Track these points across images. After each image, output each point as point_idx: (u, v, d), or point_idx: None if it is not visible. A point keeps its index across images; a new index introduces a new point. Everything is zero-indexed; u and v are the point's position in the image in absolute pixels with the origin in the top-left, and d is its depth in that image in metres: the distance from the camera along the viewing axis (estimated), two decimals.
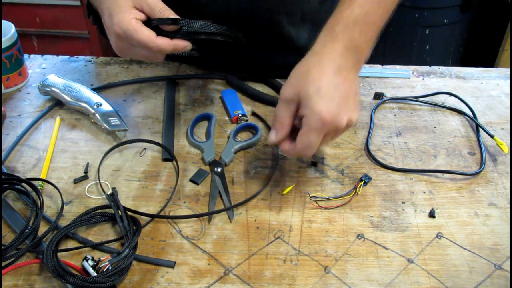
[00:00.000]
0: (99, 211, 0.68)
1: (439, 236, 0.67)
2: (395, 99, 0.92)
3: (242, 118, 0.85)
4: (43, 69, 0.99)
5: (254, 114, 0.86)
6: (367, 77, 0.98)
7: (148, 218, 0.68)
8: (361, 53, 0.68)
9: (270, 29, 0.91)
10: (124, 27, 0.68)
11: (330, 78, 0.64)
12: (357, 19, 0.67)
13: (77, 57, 1.02)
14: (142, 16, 0.70)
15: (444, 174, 0.77)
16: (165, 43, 0.69)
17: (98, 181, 0.74)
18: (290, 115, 0.66)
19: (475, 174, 0.76)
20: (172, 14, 0.71)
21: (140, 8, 0.70)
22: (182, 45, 0.71)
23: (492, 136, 0.81)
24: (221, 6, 0.87)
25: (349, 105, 0.65)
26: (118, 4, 0.69)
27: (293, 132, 0.67)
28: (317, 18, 0.92)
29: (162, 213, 0.69)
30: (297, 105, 0.65)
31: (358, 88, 0.68)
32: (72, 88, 0.87)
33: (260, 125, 0.85)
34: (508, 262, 0.64)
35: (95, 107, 0.84)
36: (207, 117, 0.86)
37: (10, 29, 0.90)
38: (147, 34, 0.68)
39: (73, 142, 0.81)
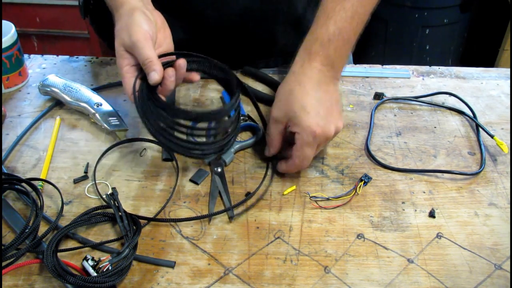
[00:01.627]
0: (99, 211, 0.68)
1: (439, 236, 0.67)
2: (395, 99, 0.92)
3: (241, 118, 0.85)
4: (43, 69, 0.99)
5: (249, 117, 0.86)
6: (367, 77, 0.98)
7: (149, 218, 0.68)
8: (337, 67, 0.75)
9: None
10: (119, 51, 0.72)
11: (312, 94, 0.71)
12: (331, 37, 0.73)
13: (77, 57, 1.02)
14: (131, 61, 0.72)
15: (444, 174, 0.77)
16: (156, 65, 0.69)
17: (94, 182, 0.74)
18: (280, 133, 0.74)
19: (475, 174, 0.76)
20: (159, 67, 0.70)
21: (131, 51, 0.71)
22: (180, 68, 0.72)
23: (492, 136, 0.81)
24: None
25: (334, 115, 0.72)
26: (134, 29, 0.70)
27: (287, 145, 0.75)
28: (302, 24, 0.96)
29: (162, 213, 0.69)
30: (286, 123, 0.73)
31: (339, 97, 0.75)
32: (72, 88, 0.87)
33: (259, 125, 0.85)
34: (508, 262, 0.64)
35: (95, 107, 0.84)
36: None
37: (10, 29, 0.90)
38: (147, 54, 0.68)
39: (73, 142, 0.81)
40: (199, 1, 0.89)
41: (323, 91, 0.72)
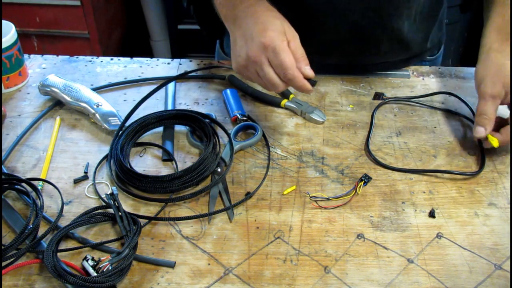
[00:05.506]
0: (99, 211, 0.68)
1: (439, 236, 0.67)
2: (395, 99, 0.92)
3: (241, 118, 0.85)
4: (43, 69, 0.99)
5: (248, 117, 0.86)
6: (367, 77, 0.98)
7: (149, 217, 0.68)
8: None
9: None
10: (276, 43, 0.68)
11: None
12: None
13: (77, 57, 1.02)
14: None
15: (444, 174, 0.77)
16: (300, 77, 0.70)
17: (93, 182, 0.74)
18: (496, 110, 0.76)
19: (475, 174, 0.76)
20: (307, 64, 0.71)
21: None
22: (308, 88, 0.71)
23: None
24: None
25: None
26: (276, 25, 0.70)
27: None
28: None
29: (162, 213, 0.69)
30: (502, 98, 0.76)
31: None
32: (72, 88, 0.87)
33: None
34: (508, 262, 0.64)
35: (95, 107, 0.84)
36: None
37: (10, 29, 0.90)
38: (292, 61, 0.69)
39: (73, 142, 0.81)
40: (319, 12, 0.88)
41: None
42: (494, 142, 0.76)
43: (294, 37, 0.71)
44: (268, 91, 0.79)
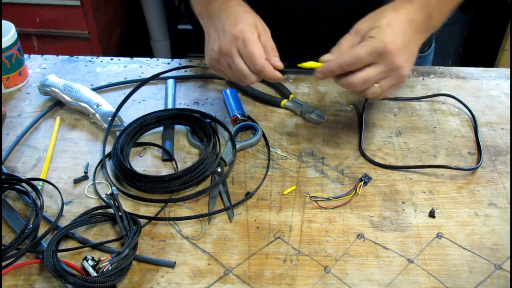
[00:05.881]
0: (99, 211, 0.68)
1: (439, 236, 0.67)
2: (395, 99, 0.92)
3: (241, 118, 0.85)
4: (43, 69, 0.99)
5: (248, 117, 0.86)
6: None
7: (149, 217, 0.68)
8: (432, 21, 0.72)
9: None
10: (246, 35, 0.69)
11: (402, 21, 0.68)
12: None
13: (77, 57, 1.02)
14: None
15: (444, 174, 0.77)
16: (269, 68, 0.70)
17: (93, 182, 0.74)
18: (351, 45, 0.69)
19: (472, 169, 0.77)
20: (276, 55, 0.71)
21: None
22: (280, 77, 0.71)
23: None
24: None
25: (408, 55, 0.68)
26: (247, 18, 0.72)
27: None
28: None
29: (162, 213, 0.69)
30: (363, 39, 0.68)
31: (416, 54, 0.72)
32: (72, 88, 0.87)
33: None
34: (508, 262, 0.64)
35: (95, 107, 0.84)
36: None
37: (10, 29, 0.90)
38: (261, 52, 0.70)
39: (73, 142, 0.81)
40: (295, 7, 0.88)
41: (412, 30, 0.69)
42: (314, 64, 0.72)
43: (265, 31, 0.72)
44: (241, 84, 0.79)
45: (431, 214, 0.70)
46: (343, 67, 0.68)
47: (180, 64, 1.00)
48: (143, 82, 0.88)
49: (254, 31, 0.71)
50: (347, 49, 0.69)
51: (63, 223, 0.67)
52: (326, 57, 0.71)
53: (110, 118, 0.82)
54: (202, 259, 0.64)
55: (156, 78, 0.92)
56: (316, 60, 0.72)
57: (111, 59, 1.01)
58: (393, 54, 0.66)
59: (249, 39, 0.69)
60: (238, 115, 0.85)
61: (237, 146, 0.79)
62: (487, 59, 2.25)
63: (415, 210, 0.71)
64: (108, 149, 0.79)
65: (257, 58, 0.69)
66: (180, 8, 0.97)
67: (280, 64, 0.71)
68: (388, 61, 0.66)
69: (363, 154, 0.80)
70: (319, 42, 0.77)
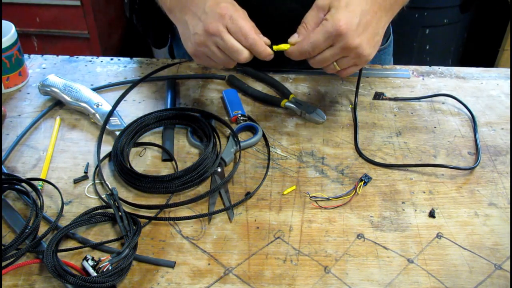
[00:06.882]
0: (99, 211, 0.68)
1: (439, 236, 0.68)
2: (395, 99, 0.92)
3: (241, 118, 0.85)
4: (43, 69, 0.99)
5: (248, 117, 0.86)
6: (367, 77, 0.98)
7: (149, 217, 0.68)
8: (394, 4, 0.73)
9: None
10: (231, 11, 0.69)
11: (362, 2, 0.68)
12: None
13: (77, 57, 1.02)
14: None
15: (444, 174, 0.77)
16: (260, 42, 0.70)
17: (93, 182, 0.74)
18: (316, 23, 0.70)
19: (469, 169, 0.77)
20: (259, 33, 0.71)
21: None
22: (270, 53, 0.71)
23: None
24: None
25: (367, 35, 0.68)
26: None
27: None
28: None
29: (162, 214, 0.69)
30: (324, 16, 0.68)
31: (382, 33, 0.72)
32: (72, 88, 0.87)
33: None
34: (508, 262, 0.64)
35: (95, 107, 0.84)
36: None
37: (10, 29, 0.90)
38: (251, 26, 0.70)
39: (73, 142, 0.81)
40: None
41: (373, 11, 0.69)
42: (284, 46, 0.73)
43: (243, 11, 0.72)
44: (228, 68, 0.76)
45: (431, 214, 0.70)
46: (305, 55, 0.71)
47: (180, 64, 1.00)
48: (135, 83, 0.89)
49: (239, 8, 0.71)
50: (311, 27, 0.70)
51: (63, 223, 0.67)
52: (293, 39, 0.72)
53: (110, 118, 0.82)
54: (202, 259, 0.64)
55: (150, 76, 0.92)
56: (286, 41, 0.73)
57: (111, 59, 1.02)
58: (347, 35, 0.67)
59: (236, 14, 0.69)
60: (238, 115, 0.85)
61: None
62: (487, 59, 2.25)
63: (415, 210, 0.71)
64: (108, 149, 0.79)
65: (248, 31, 0.69)
66: (132, 18, 0.97)
67: (267, 40, 0.71)
68: (343, 43, 0.67)
69: (360, 154, 0.80)
70: (288, 22, 0.77)
